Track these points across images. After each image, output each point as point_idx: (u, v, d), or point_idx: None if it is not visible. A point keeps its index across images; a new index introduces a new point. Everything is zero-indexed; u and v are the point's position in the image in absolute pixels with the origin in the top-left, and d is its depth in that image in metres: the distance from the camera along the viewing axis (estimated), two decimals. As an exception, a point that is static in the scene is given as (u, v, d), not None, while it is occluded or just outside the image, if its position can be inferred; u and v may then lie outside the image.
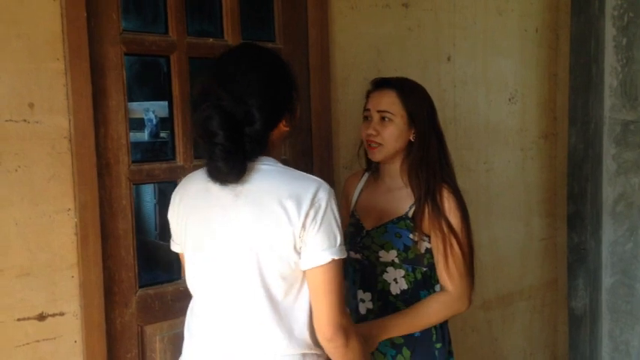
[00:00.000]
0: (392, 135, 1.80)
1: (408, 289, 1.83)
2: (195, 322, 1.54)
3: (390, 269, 1.83)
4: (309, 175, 1.45)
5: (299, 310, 1.44)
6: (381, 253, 1.82)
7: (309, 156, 2.23)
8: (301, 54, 2.22)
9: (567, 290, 3.25)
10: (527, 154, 3.10)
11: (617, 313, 2.97)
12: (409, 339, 1.81)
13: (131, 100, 1.95)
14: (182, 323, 1.62)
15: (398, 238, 1.80)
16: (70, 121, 1.72)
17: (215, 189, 1.42)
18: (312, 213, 1.36)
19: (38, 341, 1.71)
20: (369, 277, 1.86)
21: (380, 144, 1.81)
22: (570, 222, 3.21)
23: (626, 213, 2.92)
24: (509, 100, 2.98)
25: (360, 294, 1.88)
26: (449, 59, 2.69)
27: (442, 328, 1.86)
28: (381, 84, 1.86)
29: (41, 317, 1.71)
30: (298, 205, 1.36)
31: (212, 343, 1.49)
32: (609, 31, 2.88)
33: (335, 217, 1.40)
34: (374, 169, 1.96)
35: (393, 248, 1.80)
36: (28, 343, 1.70)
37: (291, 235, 1.37)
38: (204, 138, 1.40)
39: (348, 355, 1.45)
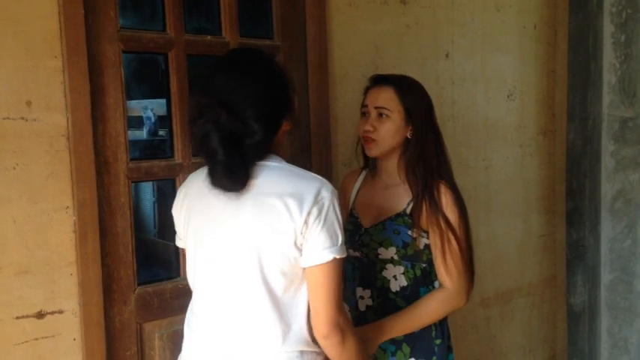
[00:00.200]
0: (389, 131, 1.81)
1: (408, 285, 1.83)
2: (196, 319, 1.54)
3: (389, 266, 1.83)
4: (312, 173, 1.46)
5: (298, 308, 1.45)
6: (380, 250, 1.82)
7: (307, 153, 2.23)
8: (299, 51, 2.22)
9: (566, 287, 3.26)
10: (525, 151, 3.10)
11: (616, 310, 2.97)
12: (409, 335, 1.82)
13: (130, 98, 1.96)
14: (181, 321, 1.63)
15: (396, 234, 1.80)
16: (68, 118, 1.72)
17: (217, 189, 1.43)
18: (315, 211, 1.37)
19: (37, 339, 1.71)
20: (368, 275, 1.86)
21: (376, 140, 1.81)
22: (569, 218, 3.22)
23: (625, 209, 2.92)
24: (508, 96, 2.98)
25: (360, 291, 1.88)
26: (447, 56, 2.69)
27: (442, 324, 1.86)
28: (378, 80, 1.86)
29: (40, 315, 1.71)
30: (300, 202, 1.36)
31: (212, 339, 1.49)
32: (608, 28, 2.88)
33: (337, 217, 1.41)
34: (371, 166, 1.96)
35: (392, 245, 1.81)
36: (26, 341, 1.70)
37: (292, 230, 1.37)
38: (204, 154, 1.40)
39: (344, 353, 1.46)
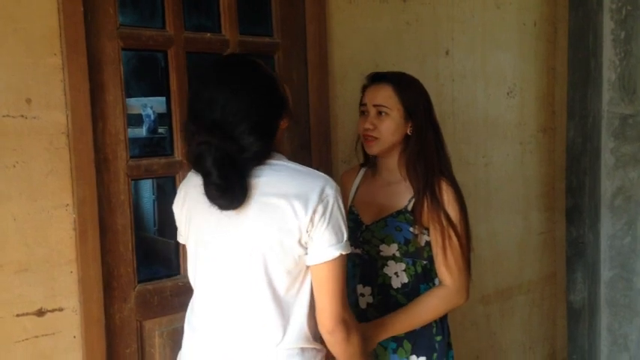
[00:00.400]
0: (389, 129, 1.81)
1: (409, 282, 1.83)
2: (196, 316, 1.55)
3: (390, 263, 1.83)
4: (315, 170, 1.46)
5: (299, 305, 1.45)
6: (382, 247, 1.82)
7: (307, 150, 2.23)
8: (299, 49, 2.21)
9: (566, 284, 3.26)
10: (525, 148, 3.10)
11: (616, 307, 2.97)
12: (410, 332, 1.82)
13: (129, 95, 1.96)
14: (181, 318, 1.63)
15: (398, 231, 1.81)
16: (67, 116, 1.72)
17: None
18: (320, 209, 1.37)
19: (37, 337, 1.71)
20: (369, 272, 1.86)
21: (377, 138, 1.81)
22: (569, 216, 3.22)
23: (625, 207, 2.92)
24: (508, 94, 2.98)
25: (360, 288, 1.88)
26: (447, 53, 2.69)
27: (442, 321, 1.87)
28: (376, 78, 1.86)
29: (40, 313, 1.71)
30: (305, 200, 1.36)
31: (213, 336, 1.49)
32: (607, 25, 2.87)
33: (341, 213, 1.42)
34: (371, 163, 1.96)
35: (393, 242, 1.81)
36: (27, 339, 1.70)
37: (297, 229, 1.37)
38: (200, 173, 1.39)
39: (349, 348, 1.47)
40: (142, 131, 4.54)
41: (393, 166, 1.87)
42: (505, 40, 2.94)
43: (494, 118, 2.92)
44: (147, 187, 4.33)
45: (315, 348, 1.49)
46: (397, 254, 1.82)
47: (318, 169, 1.51)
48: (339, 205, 1.41)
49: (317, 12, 2.23)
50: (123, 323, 1.87)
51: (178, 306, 1.91)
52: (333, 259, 1.39)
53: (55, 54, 1.70)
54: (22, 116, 1.66)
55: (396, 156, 1.86)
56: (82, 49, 1.73)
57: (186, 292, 1.62)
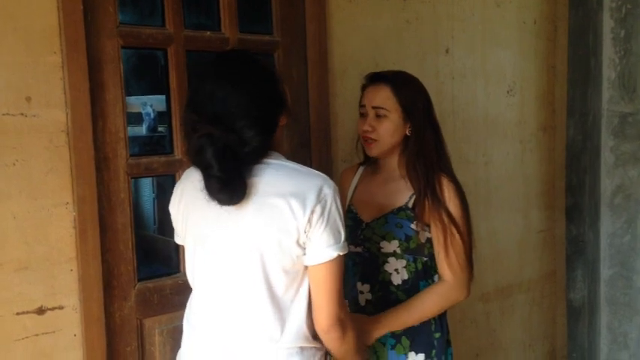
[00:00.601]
0: (387, 130, 1.81)
1: (409, 279, 1.84)
2: (195, 314, 1.55)
3: (391, 260, 1.84)
4: (313, 170, 1.46)
5: (298, 305, 1.45)
6: (383, 243, 1.82)
7: (307, 149, 2.23)
8: (299, 47, 2.21)
9: (566, 282, 3.26)
10: (525, 147, 3.09)
11: (616, 305, 2.97)
12: (408, 328, 1.82)
13: (129, 94, 1.96)
14: (181, 316, 1.63)
15: (399, 228, 1.81)
16: (67, 114, 1.72)
17: None
18: (318, 209, 1.37)
19: (37, 335, 1.71)
20: (369, 269, 1.87)
21: (376, 140, 1.81)
22: (569, 214, 3.22)
23: (624, 205, 2.92)
24: (508, 92, 2.98)
25: (359, 286, 1.88)
26: (447, 51, 2.68)
27: (441, 318, 1.87)
28: (375, 78, 1.86)
29: (40, 311, 1.71)
30: (303, 200, 1.36)
31: (212, 336, 1.50)
32: (607, 23, 2.87)
33: (339, 213, 1.42)
34: (371, 162, 1.96)
35: (394, 239, 1.81)
36: (27, 337, 1.70)
37: (295, 229, 1.37)
38: (200, 167, 1.39)
39: (343, 346, 1.49)
40: (142, 129, 4.55)
41: (392, 165, 1.88)
42: (505, 39, 2.94)
43: (494, 116, 2.92)
44: (147, 186, 4.33)
45: (314, 347, 1.49)
46: (398, 251, 1.82)
47: (318, 168, 1.51)
48: (337, 206, 1.40)
49: (317, 10, 2.23)
50: (123, 321, 1.88)
51: (178, 304, 1.91)
52: (330, 260, 1.39)
53: (54, 52, 1.70)
54: (22, 114, 1.66)
55: (395, 156, 1.87)
56: (82, 47, 1.73)
57: (186, 290, 1.62)
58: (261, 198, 1.39)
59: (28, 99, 1.67)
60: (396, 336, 1.83)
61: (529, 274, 3.19)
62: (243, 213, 1.40)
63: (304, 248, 1.40)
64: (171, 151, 1.99)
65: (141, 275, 1.93)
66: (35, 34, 1.67)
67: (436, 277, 1.85)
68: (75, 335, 1.77)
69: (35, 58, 1.68)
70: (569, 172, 3.20)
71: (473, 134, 2.83)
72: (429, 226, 1.80)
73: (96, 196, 1.78)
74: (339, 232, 1.41)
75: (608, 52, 2.88)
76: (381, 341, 1.83)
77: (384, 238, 1.82)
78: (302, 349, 1.47)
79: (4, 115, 1.64)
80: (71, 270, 1.75)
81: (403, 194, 1.84)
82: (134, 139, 3.90)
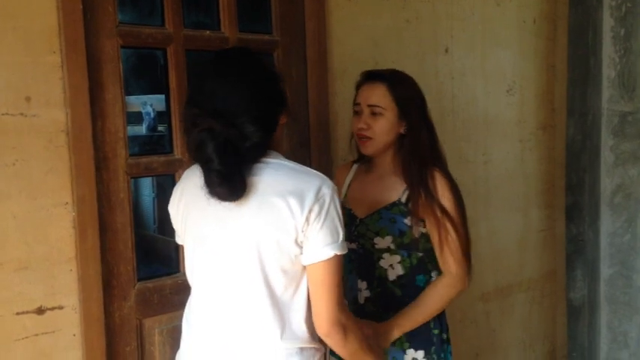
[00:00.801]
0: (383, 129, 1.81)
1: (405, 274, 1.84)
2: (194, 316, 1.54)
3: (385, 255, 1.84)
4: (312, 170, 1.46)
5: (297, 305, 1.45)
6: (377, 239, 1.83)
7: (306, 148, 2.23)
8: (298, 46, 2.21)
9: (566, 281, 3.26)
10: (525, 146, 3.09)
11: (616, 304, 2.97)
12: None
13: (129, 93, 1.96)
14: (181, 316, 1.63)
15: (393, 223, 1.81)
16: (67, 114, 1.72)
17: None
18: (316, 208, 1.37)
19: (37, 335, 1.71)
20: (365, 266, 1.87)
21: (371, 138, 1.82)
22: (569, 213, 3.22)
23: (624, 204, 2.92)
24: (508, 91, 2.98)
25: (358, 283, 1.89)
26: (447, 51, 2.68)
27: (439, 315, 1.88)
28: (370, 77, 1.86)
29: (40, 311, 1.71)
30: (301, 199, 1.36)
31: (211, 336, 1.49)
32: (607, 22, 2.87)
33: (338, 213, 1.41)
34: (365, 159, 1.97)
35: (388, 234, 1.82)
36: (27, 337, 1.70)
37: (294, 228, 1.37)
38: (200, 162, 1.39)
39: (346, 347, 1.47)
40: (142, 129, 4.55)
41: (386, 163, 1.89)
42: (505, 38, 2.93)
43: (493, 115, 2.92)
44: (146, 185, 4.33)
45: (313, 347, 1.49)
46: (392, 246, 1.83)
47: (317, 168, 1.51)
48: (335, 205, 1.40)
49: (316, 9, 2.23)
50: (123, 321, 1.88)
51: (178, 304, 1.91)
52: (328, 259, 1.38)
53: (54, 52, 1.70)
54: (22, 114, 1.66)
55: (390, 154, 1.87)
56: (82, 47, 1.73)
57: (186, 290, 1.62)
58: (261, 197, 1.38)
59: (28, 99, 1.67)
60: None
61: (529, 274, 3.19)
62: (243, 212, 1.39)
63: (302, 247, 1.40)
64: (171, 151, 1.99)
65: (140, 275, 1.92)
66: (35, 34, 1.67)
67: (434, 273, 1.85)
68: (74, 335, 1.77)
69: (35, 57, 1.67)
70: (569, 171, 3.20)
71: (472, 133, 2.83)
72: (423, 221, 1.81)
73: (95, 196, 1.78)
74: (337, 232, 1.41)
75: (608, 50, 2.88)
76: None
77: (377, 234, 1.83)
78: (301, 349, 1.46)
79: (3, 115, 1.64)
80: (71, 270, 1.75)
81: (396, 190, 1.84)
82: (134, 139, 3.90)
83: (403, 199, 1.82)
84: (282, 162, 1.44)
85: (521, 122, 3.06)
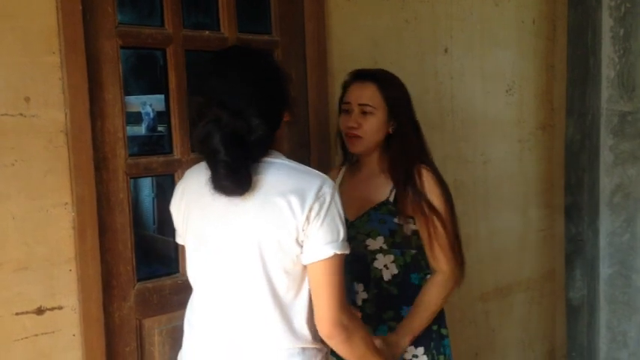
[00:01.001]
0: (373, 128, 1.83)
1: (399, 273, 1.86)
2: (196, 316, 1.54)
3: (379, 256, 1.85)
4: (313, 169, 1.46)
5: (299, 306, 1.44)
6: (369, 241, 1.84)
7: (306, 148, 2.23)
8: (298, 47, 2.21)
9: (565, 281, 3.26)
10: (524, 146, 3.10)
11: (615, 304, 2.98)
12: None
13: (128, 93, 1.96)
14: (181, 316, 1.63)
15: (382, 224, 1.83)
16: (66, 114, 1.72)
17: None
18: (316, 207, 1.37)
19: (37, 335, 1.71)
20: (360, 268, 1.87)
21: (361, 136, 1.84)
22: (568, 213, 3.22)
23: (624, 204, 2.92)
24: (507, 91, 2.98)
25: (354, 285, 1.89)
26: (446, 51, 2.68)
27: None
28: (360, 76, 1.88)
29: (39, 311, 1.71)
30: (302, 198, 1.36)
31: (213, 336, 1.49)
32: (606, 22, 2.87)
33: (339, 212, 1.41)
34: (353, 161, 1.99)
35: (379, 235, 1.83)
36: (26, 337, 1.70)
37: (294, 228, 1.37)
38: (206, 155, 1.38)
39: (354, 350, 1.46)
40: (141, 129, 4.55)
41: (374, 162, 1.90)
42: (504, 38, 2.94)
43: (493, 115, 2.92)
44: (146, 186, 4.33)
45: (315, 347, 1.48)
46: (384, 246, 1.84)
47: (317, 168, 1.51)
48: (336, 204, 1.40)
49: (315, 9, 2.23)
50: (122, 321, 1.87)
51: (178, 304, 1.91)
52: (328, 258, 1.38)
53: (53, 52, 1.70)
54: (21, 115, 1.66)
55: (377, 153, 1.89)
56: (81, 47, 1.73)
57: (186, 290, 1.62)
58: (262, 196, 1.39)
59: (27, 99, 1.67)
60: (392, 329, 1.84)
61: (528, 273, 3.19)
62: (244, 211, 1.40)
63: (302, 247, 1.40)
64: (171, 151, 1.98)
65: (140, 275, 1.92)
66: (34, 34, 1.67)
67: (428, 270, 1.88)
68: (74, 335, 1.77)
69: (34, 58, 1.67)
70: (568, 171, 3.20)
71: (472, 133, 2.83)
72: (412, 218, 1.82)
73: (95, 196, 1.78)
74: (338, 231, 1.40)
75: (607, 50, 2.88)
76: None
77: (368, 236, 1.84)
78: (303, 349, 1.46)
79: (2, 115, 1.63)
80: (70, 270, 1.75)
81: (384, 189, 1.86)
82: (133, 139, 3.89)
83: (391, 198, 1.83)
84: (284, 162, 1.45)
85: (520, 122, 3.06)
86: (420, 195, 1.79)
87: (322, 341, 1.49)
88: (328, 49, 2.28)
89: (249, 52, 1.49)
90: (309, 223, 1.37)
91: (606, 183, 2.93)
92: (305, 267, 1.42)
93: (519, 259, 3.14)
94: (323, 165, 2.21)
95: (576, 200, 3.16)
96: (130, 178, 1.89)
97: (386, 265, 1.85)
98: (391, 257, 1.85)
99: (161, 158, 1.96)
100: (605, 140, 2.91)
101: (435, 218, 1.78)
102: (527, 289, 3.20)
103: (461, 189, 2.77)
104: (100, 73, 1.80)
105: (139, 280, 1.91)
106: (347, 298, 1.88)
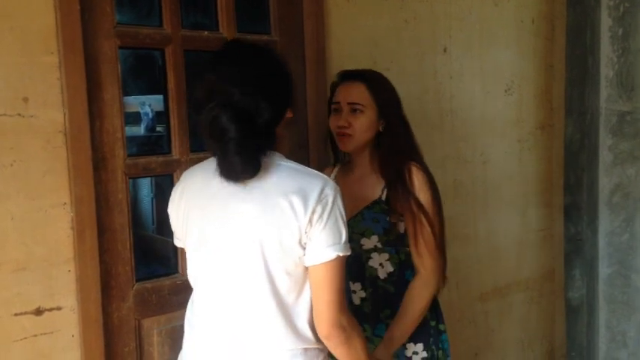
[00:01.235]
0: (363, 126, 1.85)
1: (395, 270, 1.87)
2: (197, 316, 1.54)
3: (374, 255, 1.87)
4: (315, 171, 1.46)
5: (301, 306, 1.44)
6: (363, 240, 1.85)
7: (305, 149, 2.23)
8: (297, 46, 2.21)
9: (564, 281, 3.26)
10: (523, 145, 3.10)
11: (614, 304, 2.97)
12: None
13: (127, 94, 1.95)
14: (180, 317, 1.63)
15: (376, 223, 1.84)
16: (64, 115, 1.72)
17: (217, 184, 1.42)
18: (319, 209, 1.37)
19: (36, 336, 1.71)
20: (355, 267, 1.88)
21: (351, 135, 1.85)
22: (567, 213, 3.22)
23: (623, 204, 2.92)
24: (506, 91, 2.98)
25: (351, 285, 1.89)
26: (445, 51, 2.68)
27: (435, 306, 1.91)
28: (348, 76, 1.91)
29: (38, 312, 1.71)
30: (305, 200, 1.36)
31: (214, 337, 1.49)
32: (605, 22, 2.87)
33: (341, 214, 1.41)
34: (345, 161, 2.01)
35: (373, 234, 1.84)
36: (25, 338, 1.70)
37: (297, 229, 1.37)
38: (215, 137, 1.36)
39: (351, 352, 1.45)
40: (140, 129, 4.54)
41: (365, 161, 1.92)
42: (503, 38, 2.94)
43: (492, 115, 2.92)
44: (145, 186, 4.32)
45: (317, 348, 1.48)
46: (379, 245, 1.85)
47: (316, 169, 1.51)
48: (338, 206, 1.40)
49: (314, 9, 2.23)
50: (121, 322, 1.87)
51: (177, 304, 1.91)
52: (330, 261, 1.38)
53: (51, 52, 1.70)
54: (19, 115, 1.66)
55: (367, 152, 1.91)
56: (79, 47, 1.73)
57: (185, 290, 1.62)
58: (264, 197, 1.38)
59: (25, 99, 1.66)
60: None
61: (527, 273, 3.19)
62: (246, 211, 1.39)
63: (305, 249, 1.39)
64: (169, 151, 1.98)
65: (139, 275, 1.92)
66: (32, 34, 1.67)
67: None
68: (73, 336, 1.77)
69: (32, 58, 1.67)
70: (568, 171, 3.20)
71: (471, 133, 2.83)
72: (403, 215, 1.83)
73: (94, 197, 1.77)
74: (340, 233, 1.40)
75: (606, 50, 2.88)
76: (379, 335, 1.85)
77: (363, 235, 1.85)
78: (305, 350, 1.46)
79: (1, 115, 1.63)
80: (69, 271, 1.75)
81: (376, 188, 1.87)
82: (132, 139, 3.89)
83: (383, 197, 1.85)
84: (285, 163, 1.44)
85: (519, 122, 3.06)
86: (409, 193, 1.81)
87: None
88: (327, 49, 2.28)
89: (256, 45, 1.50)
90: (311, 226, 1.37)
91: (605, 183, 2.93)
92: (307, 268, 1.42)
93: (518, 259, 3.14)
94: (322, 166, 2.21)
95: (575, 200, 3.16)
96: (129, 178, 1.89)
97: (381, 264, 1.86)
98: (386, 255, 1.86)
99: (160, 158, 1.96)
100: (604, 140, 2.91)
101: (422, 216, 1.80)
102: (527, 289, 3.20)
103: (460, 189, 2.77)
104: (99, 73, 1.80)
105: (137, 281, 1.91)
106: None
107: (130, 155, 1.88)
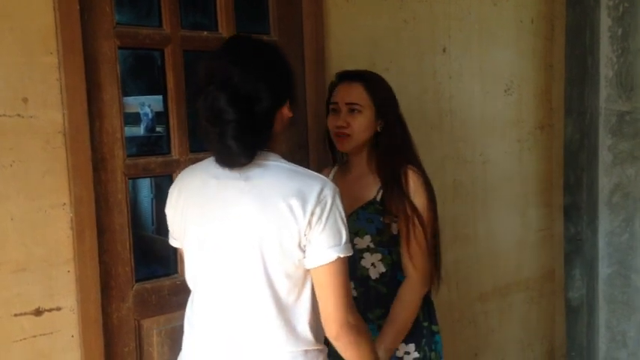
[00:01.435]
0: (361, 126, 1.86)
1: (387, 271, 1.88)
2: (197, 317, 1.53)
3: (366, 255, 1.87)
4: (313, 172, 1.45)
5: (301, 308, 1.44)
6: (356, 240, 1.86)
7: (304, 149, 2.23)
8: (296, 46, 2.21)
9: (564, 281, 3.26)
10: (523, 145, 3.09)
11: (614, 304, 2.98)
12: None
13: (126, 94, 1.95)
14: (179, 317, 1.62)
15: (370, 223, 1.85)
16: (64, 115, 1.72)
17: (216, 183, 1.42)
18: (317, 211, 1.36)
19: (35, 336, 1.71)
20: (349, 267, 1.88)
21: (349, 135, 1.87)
22: (567, 213, 3.22)
23: (622, 204, 2.92)
24: (505, 91, 2.98)
25: None
26: (444, 51, 2.68)
27: (429, 307, 1.92)
28: (347, 77, 1.92)
29: (38, 312, 1.71)
30: (303, 202, 1.35)
31: (214, 338, 1.48)
32: (605, 22, 2.87)
33: (341, 215, 1.40)
34: (343, 161, 2.02)
35: (366, 234, 1.85)
36: (25, 338, 1.69)
37: (297, 232, 1.36)
38: (213, 120, 1.36)
39: (359, 351, 1.44)
40: (140, 130, 4.54)
41: (362, 161, 1.93)
42: (502, 38, 2.94)
43: (491, 115, 2.92)
44: (144, 186, 4.32)
45: (317, 349, 1.48)
46: (371, 245, 1.86)
47: (316, 169, 1.51)
48: (337, 207, 1.39)
49: (314, 9, 2.23)
50: (121, 322, 1.87)
51: (176, 305, 1.91)
52: (331, 262, 1.37)
53: (51, 53, 1.70)
54: (19, 115, 1.66)
55: (365, 152, 1.92)
56: (79, 47, 1.73)
57: (184, 290, 1.62)
58: (262, 198, 1.38)
59: (25, 100, 1.66)
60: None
61: (527, 273, 3.19)
62: (245, 212, 1.39)
63: (305, 252, 1.39)
64: (169, 152, 1.98)
65: (139, 276, 1.92)
66: (31, 35, 1.67)
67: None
68: (73, 336, 1.77)
69: (31, 58, 1.67)
70: (567, 171, 3.20)
71: (470, 133, 2.83)
72: (398, 217, 1.84)
73: (93, 197, 1.77)
74: (340, 234, 1.39)
75: (606, 50, 2.88)
76: (372, 336, 1.85)
77: (356, 235, 1.86)
78: (306, 351, 1.45)
79: (0, 116, 1.63)
80: (68, 271, 1.75)
81: (372, 188, 1.88)
82: (131, 140, 3.89)
83: (378, 198, 1.86)
84: (283, 164, 1.44)
85: (519, 122, 3.06)
86: (404, 194, 1.82)
87: (323, 342, 1.48)
88: (327, 49, 2.28)
89: (260, 40, 1.52)
90: (311, 228, 1.36)
91: (605, 182, 2.93)
92: (307, 271, 1.41)
93: (518, 259, 3.14)
94: (322, 166, 2.21)
95: (575, 200, 3.16)
96: (129, 178, 1.89)
97: (373, 264, 1.87)
98: (379, 256, 1.87)
99: (159, 159, 1.96)
100: (604, 140, 2.92)
101: (415, 219, 1.81)
102: (527, 289, 3.20)
103: (460, 189, 2.77)
104: (98, 74, 1.79)
105: (137, 281, 1.91)
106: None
107: (129, 156, 1.88)
